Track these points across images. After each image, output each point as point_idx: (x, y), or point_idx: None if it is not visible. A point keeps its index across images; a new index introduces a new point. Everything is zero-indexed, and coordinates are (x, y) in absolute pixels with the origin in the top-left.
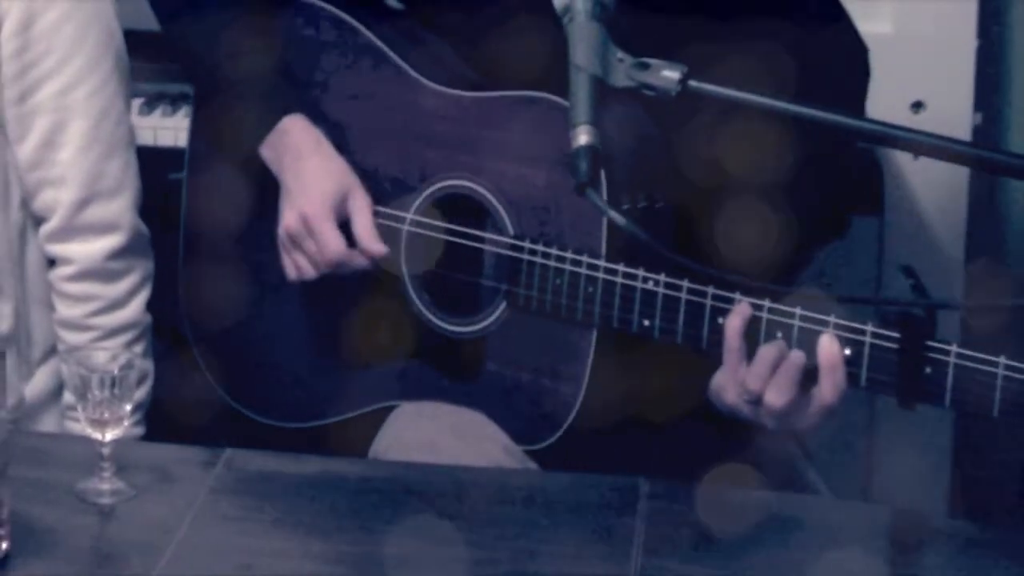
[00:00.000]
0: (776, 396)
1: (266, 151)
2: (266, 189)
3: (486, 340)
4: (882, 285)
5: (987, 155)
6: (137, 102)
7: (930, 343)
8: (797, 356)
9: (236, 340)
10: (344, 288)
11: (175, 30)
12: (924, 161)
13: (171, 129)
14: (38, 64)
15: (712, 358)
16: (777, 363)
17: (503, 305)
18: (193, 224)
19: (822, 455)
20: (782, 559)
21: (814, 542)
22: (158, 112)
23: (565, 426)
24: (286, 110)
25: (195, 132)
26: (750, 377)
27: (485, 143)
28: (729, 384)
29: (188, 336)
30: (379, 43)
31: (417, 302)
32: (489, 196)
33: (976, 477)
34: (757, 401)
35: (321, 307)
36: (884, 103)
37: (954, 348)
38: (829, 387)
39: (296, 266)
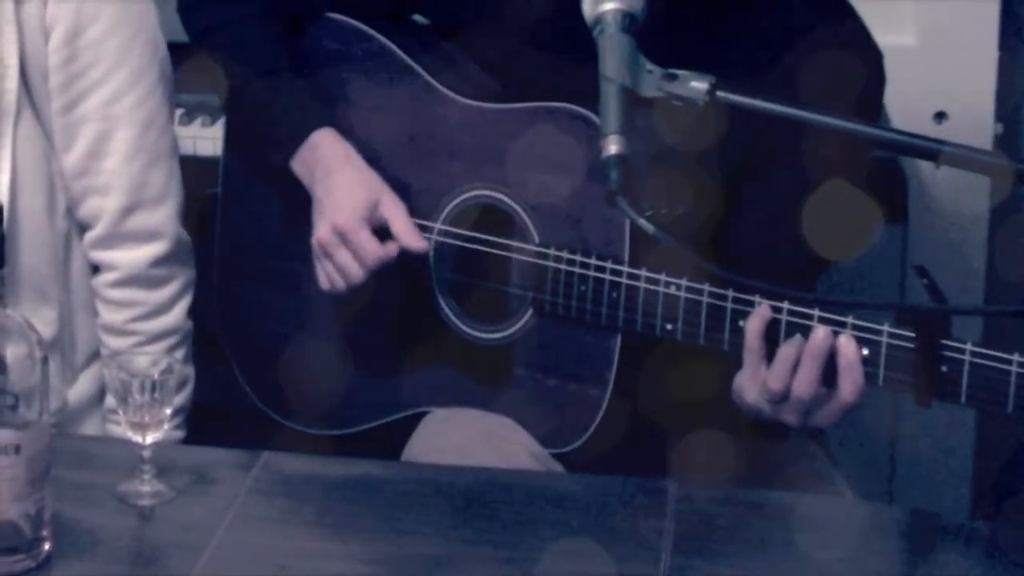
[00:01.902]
0: (803, 388)
1: (297, 165)
2: (298, 200)
3: (514, 346)
4: (905, 291)
5: (1008, 164)
6: (177, 112)
7: (945, 342)
8: (819, 340)
9: (269, 348)
10: (375, 297)
11: (205, 47)
12: (946, 170)
13: (211, 139)
14: (85, 74)
15: (735, 359)
16: (797, 361)
17: (529, 312)
18: (227, 236)
19: (846, 457)
20: (807, 559)
21: (838, 543)
22: (198, 122)
23: (592, 429)
24: (316, 125)
25: (228, 146)
26: (771, 377)
27: (510, 153)
28: (750, 384)
29: (223, 344)
30: (406, 57)
31: (446, 310)
32: (514, 205)
33: (997, 479)
34: (778, 400)
35: (352, 316)
36: (907, 113)
37: (969, 346)
38: (848, 386)
39: (328, 277)
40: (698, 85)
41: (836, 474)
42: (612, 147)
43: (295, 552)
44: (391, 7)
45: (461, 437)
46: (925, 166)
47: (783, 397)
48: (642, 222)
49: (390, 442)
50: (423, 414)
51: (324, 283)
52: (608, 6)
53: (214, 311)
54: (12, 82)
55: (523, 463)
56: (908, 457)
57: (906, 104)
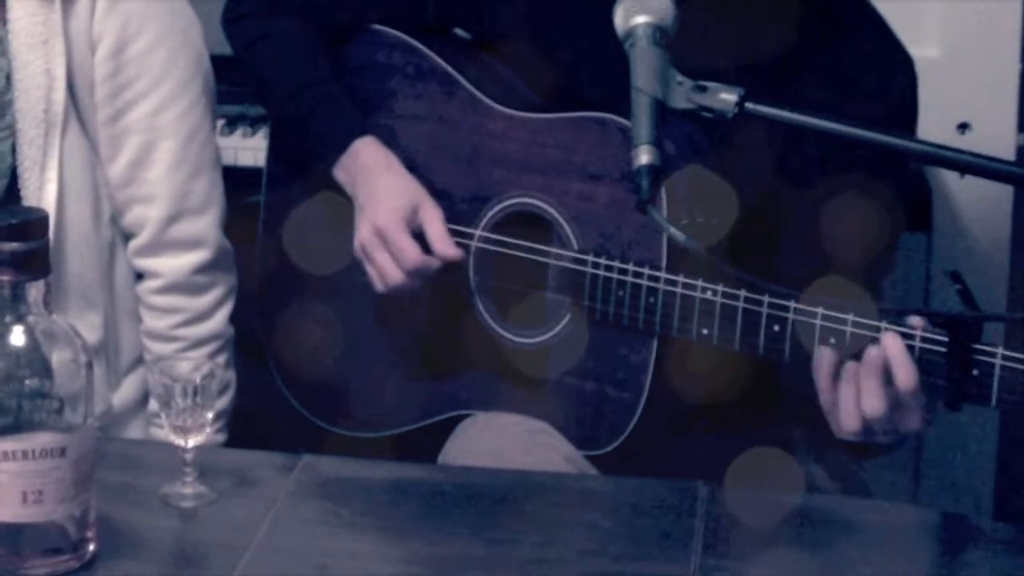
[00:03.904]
0: (874, 410)
1: (339, 173)
2: (339, 208)
3: (551, 350)
4: (930, 298)
5: None
6: (219, 123)
7: (977, 346)
8: (872, 359)
9: (310, 353)
10: (415, 302)
11: (250, 60)
12: (970, 180)
13: (251, 149)
14: (130, 86)
15: (769, 363)
16: (858, 393)
17: (568, 317)
18: (270, 243)
19: (872, 460)
20: (833, 560)
21: (866, 544)
22: (238, 133)
23: (627, 431)
24: (357, 133)
25: (271, 156)
26: (843, 420)
27: (549, 162)
28: (833, 423)
29: (265, 351)
30: (447, 67)
31: (485, 315)
32: (553, 212)
33: (1019, 481)
34: (862, 433)
35: (393, 321)
36: (931, 124)
37: (1000, 351)
38: (903, 376)
39: (376, 276)
40: (727, 97)
41: (863, 476)
42: (643, 157)
43: (334, 552)
44: (432, 20)
45: (496, 441)
46: (949, 176)
47: (865, 428)
48: (673, 231)
49: (427, 445)
50: (460, 418)
51: (378, 284)
52: (639, 20)
53: (256, 317)
54: (59, 93)
55: (557, 467)
56: (932, 459)
57: (930, 115)
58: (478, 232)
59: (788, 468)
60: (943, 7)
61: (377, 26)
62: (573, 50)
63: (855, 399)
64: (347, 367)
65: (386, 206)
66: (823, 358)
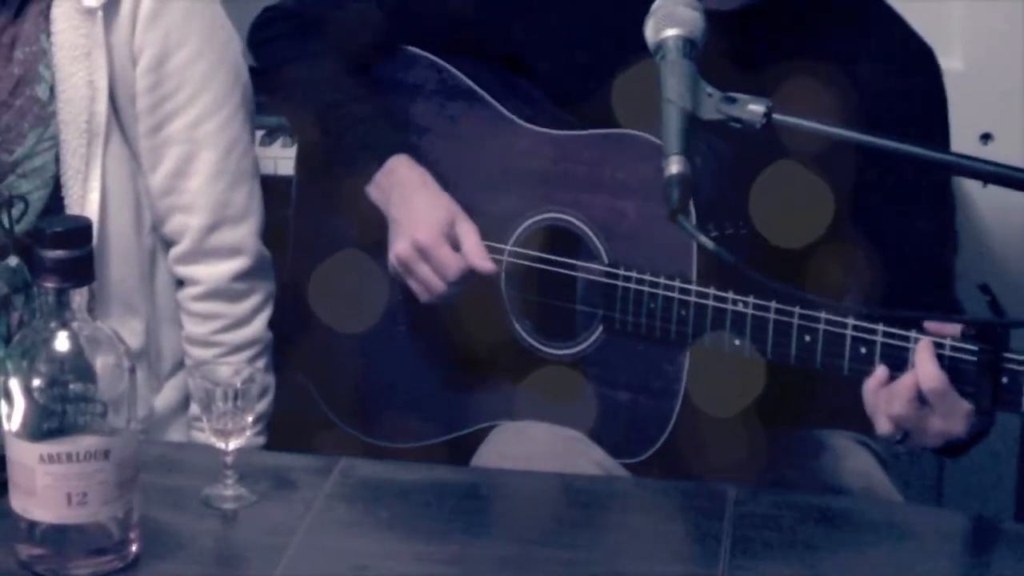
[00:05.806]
0: (910, 422)
1: (373, 191)
2: (370, 223)
3: (585, 361)
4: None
5: None
6: (259, 134)
7: (1006, 354)
8: (906, 386)
9: (342, 366)
10: (449, 316)
11: (279, 81)
12: (992, 189)
13: (291, 159)
14: (171, 98)
15: (801, 371)
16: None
17: (600, 328)
18: (300, 257)
19: (898, 464)
20: (860, 561)
21: (890, 545)
22: (278, 143)
23: (662, 440)
24: (391, 151)
25: (300, 173)
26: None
27: (579, 177)
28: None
29: (297, 363)
30: (475, 87)
31: (519, 328)
32: (583, 227)
33: None
34: (913, 447)
35: (427, 334)
36: (955, 135)
37: None
38: (925, 375)
39: (420, 289)
40: (755, 108)
41: (886, 478)
42: (674, 167)
43: (371, 553)
44: (458, 41)
45: (527, 447)
46: (972, 185)
47: (897, 428)
48: (703, 239)
49: (459, 454)
50: (493, 428)
51: (423, 295)
52: (669, 33)
53: (287, 331)
54: (102, 105)
55: (588, 472)
56: (956, 463)
57: (953, 126)
58: (509, 247)
59: None
60: (966, 19)
61: (406, 47)
62: (600, 68)
63: (886, 402)
64: (382, 380)
65: (424, 221)
66: (879, 372)
